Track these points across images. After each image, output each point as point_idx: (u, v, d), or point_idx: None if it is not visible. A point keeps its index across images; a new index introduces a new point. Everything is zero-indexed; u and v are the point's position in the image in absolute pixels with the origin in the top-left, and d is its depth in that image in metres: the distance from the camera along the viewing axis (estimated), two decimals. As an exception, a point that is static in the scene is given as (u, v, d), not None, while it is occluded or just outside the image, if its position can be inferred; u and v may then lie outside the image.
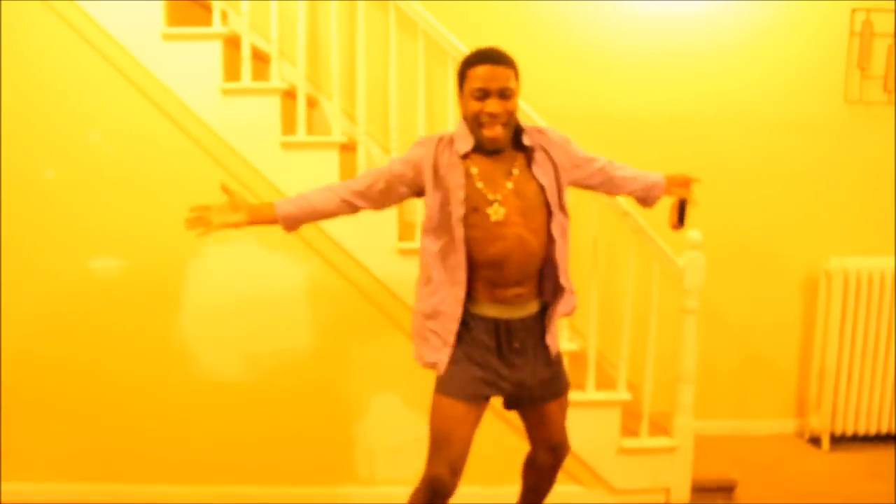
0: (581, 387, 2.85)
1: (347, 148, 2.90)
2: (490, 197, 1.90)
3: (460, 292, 1.95)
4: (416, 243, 2.81)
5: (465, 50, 2.75)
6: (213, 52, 2.76)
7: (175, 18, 2.81)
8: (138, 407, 2.92)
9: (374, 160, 3.34)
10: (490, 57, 1.87)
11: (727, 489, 2.97)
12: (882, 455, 3.40)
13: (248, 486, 2.94)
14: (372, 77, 2.96)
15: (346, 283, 2.85)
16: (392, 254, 2.81)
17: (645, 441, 2.90)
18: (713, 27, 3.43)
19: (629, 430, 2.91)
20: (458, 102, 1.97)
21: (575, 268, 2.87)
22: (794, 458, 3.41)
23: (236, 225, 2.04)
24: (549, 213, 1.95)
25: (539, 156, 1.96)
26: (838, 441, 3.52)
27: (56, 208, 2.85)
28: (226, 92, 2.76)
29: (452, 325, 1.98)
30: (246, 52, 2.78)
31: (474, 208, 1.91)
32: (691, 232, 2.81)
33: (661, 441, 2.91)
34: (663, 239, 2.83)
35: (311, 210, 2.06)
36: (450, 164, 1.94)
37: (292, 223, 2.08)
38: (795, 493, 3.04)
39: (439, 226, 1.96)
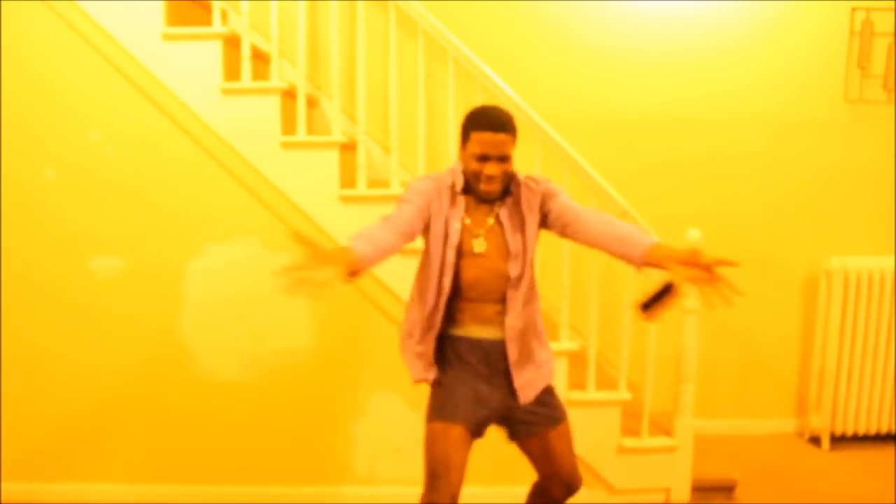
0: (581, 387, 2.86)
1: (347, 148, 2.90)
2: (475, 231, 2.02)
3: (437, 319, 2.04)
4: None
5: (466, 51, 2.76)
6: (213, 52, 2.76)
7: (175, 18, 2.81)
8: (138, 407, 2.92)
9: (374, 160, 3.34)
10: (493, 124, 1.93)
11: (727, 489, 2.97)
12: (882, 455, 3.40)
13: (248, 486, 2.94)
14: (372, 77, 2.96)
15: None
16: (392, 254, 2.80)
17: (645, 441, 2.90)
18: (713, 27, 3.43)
19: (629, 429, 2.91)
20: (459, 152, 2.02)
21: (575, 268, 2.89)
22: (794, 457, 3.41)
23: (334, 281, 1.64)
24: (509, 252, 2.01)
25: (508, 203, 2.03)
26: (838, 441, 3.52)
27: (56, 208, 2.85)
28: (226, 92, 2.76)
29: (430, 346, 2.06)
30: (246, 52, 2.78)
31: (462, 241, 2.02)
32: (691, 231, 2.81)
33: (661, 441, 2.91)
34: (663, 238, 2.83)
35: (381, 250, 1.83)
36: (448, 200, 2.03)
37: (365, 266, 1.77)
38: (795, 493, 3.04)
39: (432, 253, 2.04)
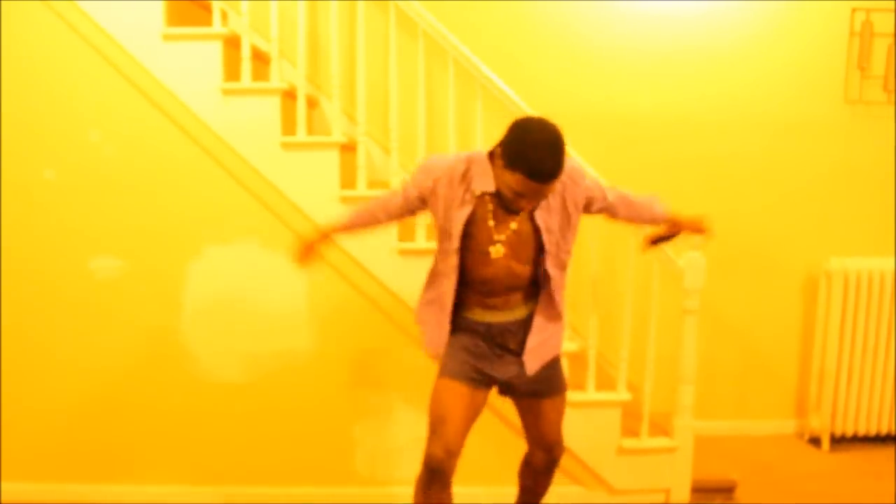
0: (581, 387, 2.85)
1: (347, 148, 2.90)
2: (495, 237, 1.99)
3: (445, 319, 2.11)
4: (416, 243, 2.81)
5: (466, 51, 2.76)
6: (213, 53, 2.76)
7: (175, 18, 2.81)
8: (138, 407, 2.92)
9: (374, 160, 3.34)
10: (545, 176, 1.78)
11: (727, 489, 2.97)
12: (882, 455, 3.40)
13: (248, 486, 2.94)
14: (372, 77, 2.96)
15: (347, 283, 2.85)
16: (392, 254, 2.80)
17: (645, 441, 2.90)
18: (713, 28, 3.42)
19: (629, 430, 2.91)
20: (498, 159, 1.87)
21: (575, 268, 2.88)
22: (794, 458, 3.41)
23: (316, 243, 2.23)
24: (542, 250, 2.03)
25: (544, 205, 1.99)
26: (838, 441, 3.52)
27: (56, 208, 2.85)
28: (226, 92, 2.76)
29: (445, 325, 2.14)
30: (246, 52, 2.78)
31: (472, 236, 2.00)
32: (691, 232, 2.81)
33: (661, 441, 2.91)
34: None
35: (356, 228, 2.26)
36: (459, 197, 1.98)
37: (349, 228, 2.26)
38: (795, 494, 3.04)
39: (444, 243, 2.07)
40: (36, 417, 2.93)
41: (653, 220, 2.30)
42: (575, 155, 2.78)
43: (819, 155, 3.52)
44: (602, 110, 3.45)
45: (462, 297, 2.10)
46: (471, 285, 2.07)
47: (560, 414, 2.24)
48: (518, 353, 2.12)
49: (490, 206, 1.97)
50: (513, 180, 1.82)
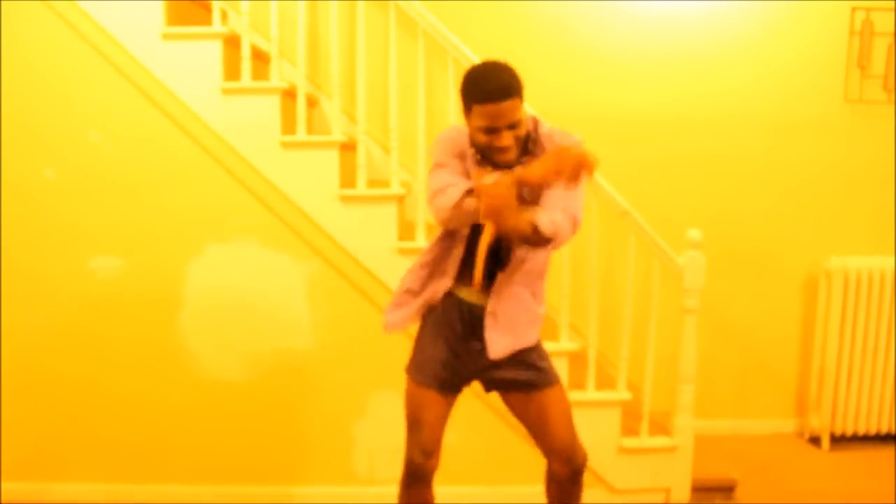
0: (581, 386, 2.85)
1: (347, 147, 2.90)
2: None
3: (448, 282, 2.00)
4: (416, 243, 2.81)
5: (466, 51, 2.76)
6: (213, 52, 2.76)
7: (175, 18, 2.81)
8: (138, 407, 2.92)
9: (374, 160, 3.34)
10: (495, 94, 1.73)
11: (727, 489, 2.97)
12: (882, 455, 3.40)
13: (248, 486, 2.94)
14: (372, 77, 2.96)
15: (346, 283, 2.85)
16: (392, 254, 2.80)
17: (645, 441, 2.90)
18: (713, 27, 3.43)
19: (629, 429, 2.91)
20: (465, 120, 1.86)
21: (575, 268, 2.89)
22: (794, 457, 3.41)
23: None
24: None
25: (528, 160, 1.87)
26: (838, 441, 3.52)
27: (56, 208, 2.85)
28: (226, 91, 2.76)
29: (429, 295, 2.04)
30: (246, 52, 2.77)
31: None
32: (691, 231, 2.81)
33: (661, 441, 2.91)
34: (663, 238, 2.83)
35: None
36: (470, 161, 1.90)
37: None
38: (795, 493, 3.04)
39: None
40: (36, 417, 2.93)
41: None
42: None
43: (819, 154, 3.52)
44: (602, 110, 3.45)
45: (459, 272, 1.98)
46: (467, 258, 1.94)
47: (564, 410, 2.07)
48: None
49: (477, 171, 1.86)
50: (475, 118, 1.77)
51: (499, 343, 1.97)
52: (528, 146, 1.87)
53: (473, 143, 1.86)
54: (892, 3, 3.40)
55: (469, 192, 1.78)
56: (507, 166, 1.82)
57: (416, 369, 2.08)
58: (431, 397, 2.04)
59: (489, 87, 1.74)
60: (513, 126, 1.78)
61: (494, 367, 2.02)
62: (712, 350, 3.55)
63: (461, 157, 1.89)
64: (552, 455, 2.09)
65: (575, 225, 1.86)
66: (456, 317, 2.01)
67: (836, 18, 3.43)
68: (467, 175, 1.87)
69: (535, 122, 1.91)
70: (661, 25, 3.41)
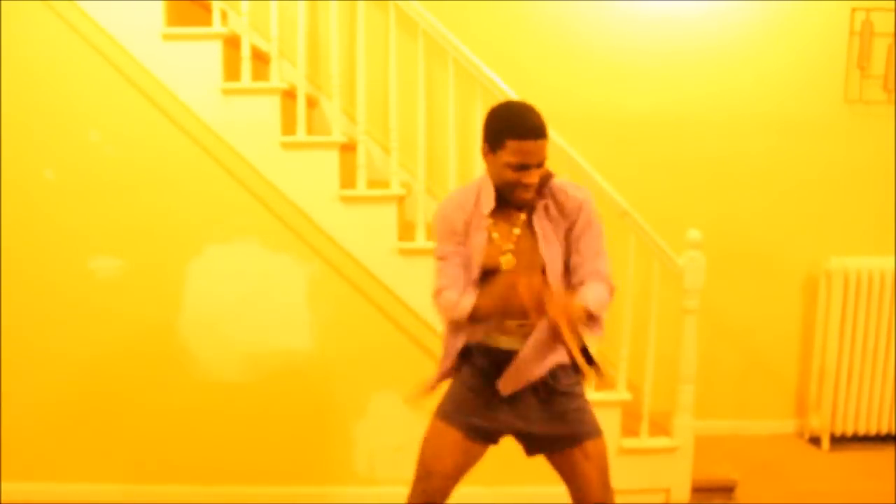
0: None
1: (347, 148, 2.90)
2: (504, 248, 1.89)
3: (463, 336, 1.96)
4: (416, 243, 2.81)
5: (466, 51, 2.76)
6: (213, 52, 2.76)
7: (175, 18, 2.81)
8: (138, 407, 2.92)
9: (374, 160, 3.34)
10: (534, 130, 1.77)
11: (727, 489, 2.97)
12: (882, 455, 3.40)
13: (248, 486, 2.94)
14: (372, 77, 2.96)
15: (346, 283, 2.85)
16: (392, 254, 2.80)
17: (645, 441, 2.90)
18: (713, 28, 3.42)
19: (629, 430, 2.91)
20: (484, 157, 1.86)
21: (575, 268, 2.88)
22: (794, 458, 3.41)
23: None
24: (544, 262, 1.89)
25: (541, 206, 1.89)
26: (838, 441, 3.52)
27: (56, 209, 2.85)
28: (226, 92, 2.76)
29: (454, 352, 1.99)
30: (246, 52, 2.77)
31: (487, 260, 1.89)
32: (691, 231, 2.81)
33: (661, 441, 2.91)
34: (663, 239, 2.83)
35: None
36: (476, 226, 1.90)
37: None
38: (795, 493, 3.04)
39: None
40: (36, 417, 2.93)
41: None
42: (575, 154, 2.78)
43: (819, 155, 3.52)
44: (602, 110, 3.45)
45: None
46: None
47: (601, 465, 1.99)
48: (529, 390, 1.93)
49: (492, 221, 1.90)
50: (505, 155, 1.78)
51: (508, 380, 1.92)
52: (542, 189, 1.89)
53: (498, 181, 1.85)
54: (892, 3, 3.40)
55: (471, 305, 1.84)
56: (525, 206, 1.87)
57: (447, 409, 2.00)
58: (456, 441, 1.96)
59: (529, 124, 1.78)
60: (541, 165, 1.82)
61: (529, 421, 1.96)
62: (712, 350, 3.55)
63: (464, 226, 1.90)
64: None
65: (613, 292, 1.92)
66: (488, 364, 1.95)
67: (836, 19, 3.43)
68: (466, 239, 1.90)
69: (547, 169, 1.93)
70: (661, 25, 3.41)
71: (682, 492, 2.91)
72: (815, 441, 3.54)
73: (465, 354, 2.00)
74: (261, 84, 2.80)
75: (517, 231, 1.89)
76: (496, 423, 1.98)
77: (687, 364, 2.88)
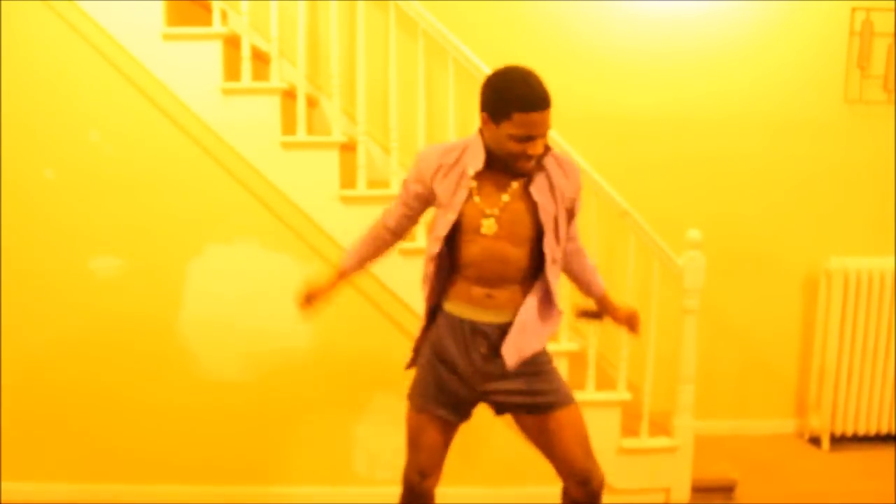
0: (581, 387, 2.85)
1: (347, 148, 2.90)
2: (487, 211, 1.87)
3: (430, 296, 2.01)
4: (415, 243, 2.81)
5: (466, 51, 2.76)
6: (213, 52, 2.76)
7: (175, 18, 2.81)
8: (138, 407, 2.92)
9: (374, 160, 3.34)
10: (540, 101, 1.75)
11: (727, 489, 2.97)
12: (882, 455, 3.40)
13: (248, 486, 2.94)
14: (372, 77, 2.96)
15: (347, 283, 2.84)
16: (392, 254, 2.80)
17: (645, 441, 2.90)
18: (713, 28, 3.43)
19: (629, 430, 2.91)
20: (483, 123, 1.84)
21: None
22: (794, 458, 3.41)
23: (323, 292, 2.17)
24: (540, 232, 1.89)
25: (541, 178, 1.89)
26: (838, 441, 3.52)
27: (56, 208, 2.85)
28: (226, 92, 2.76)
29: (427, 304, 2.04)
30: (246, 52, 2.77)
31: (466, 219, 1.88)
32: (691, 231, 2.81)
33: (661, 441, 2.91)
34: (663, 238, 2.83)
35: (370, 257, 2.18)
36: (453, 183, 1.89)
37: (353, 272, 2.20)
38: (795, 493, 3.04)
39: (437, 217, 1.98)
40: (36, 417, 2.93)
41: (588, 289, 2.17)
42: (574, 154, 2.78)
43: (819, 154, 3.52)
44: (602, 110, 3.45)
45: (446, 285, 1.96)
46: (458, 270, 1.93)
47: (578, 431, 2.00)
48: (494, 355, 1.94)
49: (474, 184, 1.87)
50: (510, 127, 1.76)
51: (510, 351, 1.92)
52: (541, 159, 1.88)
53: (498, 149, 1.83)
54: (892, 3, 3.40)
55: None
56: (525, 175, 1.86)
57: (415, 394, 2.06)
58: (430, 421, 2.02)
59: (534, 96, 1.75)
60: (545, 135, 1.81)
61: (501, 387, 1.97)
62: (712, 350, 3.55)
63: (435, 176, 1.92)
64: (569, 478, 2.03)
65: None
66: (450, 335, 1.96)
67: (836, 18, 3.43)
68: (426, 196, 1.97)
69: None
70: (661, 25, 3.41)
71: (682, 491, 2.91)
72: (815, 441, 3.54)
73: (437, 322, 2.01)
74: (261, 84, 2.80)
75: (506, 198, 1.86)
76: (461, 398, 2.00)
77: (687, 364, 2.88)
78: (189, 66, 2.75)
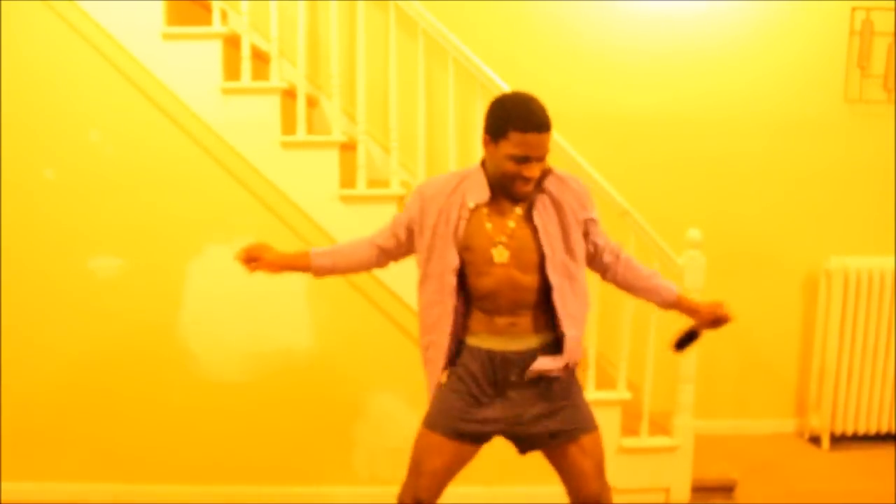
0: (581, 386, 2.85)
1: (347, 147, 2.90)
2: (496, 239, 1.87)
3: (444, 347, 1.96)
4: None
5: (466, 51, 2.76)
6: (213, 52, 2.76)
7: (175, 18, 2.81)
8: (138, 407, 2.92)
9: (374, 160, 3.34)
10: (539, 123, 1.76)
11: (727, 489, 2.97)
12: (882, 455, 3.40)
13: (248, 486, 2.94)
14: (372, 77, 2.96)
15: (346, 283, 2.85)
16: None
17: (645, 440, 2.90)
18: (713, 27, 3.42)
19: (629, 429, 2.91)
20: (485, 146, 1.85)
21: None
22: (793, 457, 3.41)
23: (272, 266, 2.09)
24: (542, 255, 1.88)
25: (543, 200, 1.89)
26: (838, 441, 3.52)
27: (56, 208, 2.85)
28: (226, 91, 2.76)
29: (443, 352, 1.97)
30: (246, 52, 2.78)
31: (470, 248, 1.88)
32: (691, 231, 2.81)
33: (661, 441, 2.91)
34: (663, 238, 2.83)
35: (344, 264, 2.12)
36: (457, 215, 1.89)
37: (323, 273, 2.11)
38: (795, 493, 3.04)
39: (431, 272, 1.95)
40: (36, 417, 2.93)
41: (657, 295, 2.05)
42: (574, 154, 2.78)
43: (819, 154, 3.52)
44: (602, 110, 3.45)
45: (464, 321, 1.95)
46: (474, 304, 1.93)
47: (597, 458, 1.99)
48: (526, 388, 1.93)
49: (485, 211, 1.88)
50: (508, 147, 1.77)
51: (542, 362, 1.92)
52: (542, 182, 1.89)
53: (495, 172, 1.84)
54: (892, 3, 3.40)
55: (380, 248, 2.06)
56: (523, 199, 1.87)
57: (431, 417, 2.01)
58: (444, 448, 1.96)
59: (534, 117, 1.77)
60: (542, 158, 1.82)
61: (531, 413, 1.94)
62: (712, 350, 3.54)
63: (437, 215, 1.90)
64: (578, 499, 2.02)
65: None
66: (480, 368, 1.94)
67: (836, 18, 3.43)
68: (399, 234, 2.00)
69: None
70: (661, 25, 3.41)
71: (682, 491, 2.91)
72: (815, 440, 3.54)
73: (454, 357, 1.99)
74: (261, 84, 2.80)
75: (512, 224, 1.88)
76: (485, 424, 1.96)
77: (687, 363, 2.88)
78: (189, 65, 2.75)
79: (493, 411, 1.95)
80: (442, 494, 2.03)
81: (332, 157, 2.80)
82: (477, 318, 1.94)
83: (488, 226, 1.88)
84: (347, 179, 2.84)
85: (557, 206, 1.90)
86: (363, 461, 2.95)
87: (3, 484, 2.92)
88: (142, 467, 2.94)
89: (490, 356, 1.93)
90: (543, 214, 1.89)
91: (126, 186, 2.83)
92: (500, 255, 1.87)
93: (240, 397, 2.91)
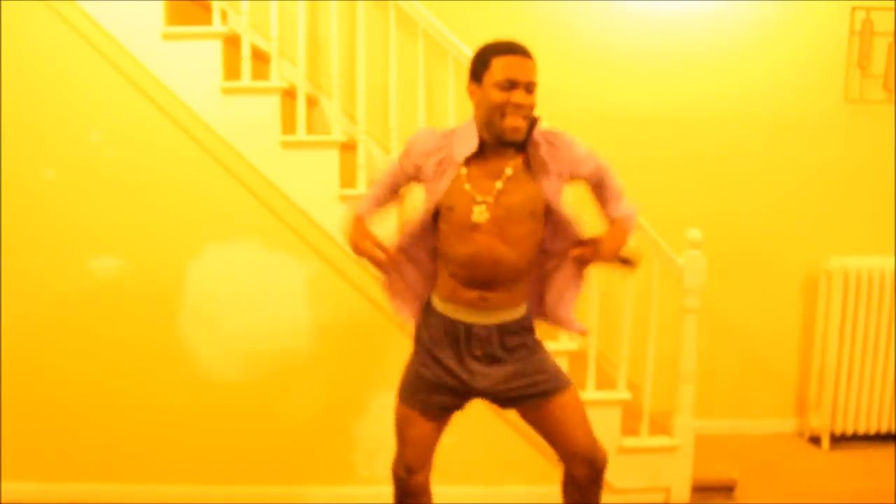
0: (581, 386, 2.85)
1: (347, 147, 2.90)
2: (479, 198, 1.82)
3: (416, 303, 2.02)
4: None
5: (466, 51, 2.76)
6: (213, 52, 2.76)
7: (175, 18, 2.81)
8: (138, 407, 2.92)
9: (374, 160, 3.34)
10: (518, 49, 1.76)
11: (727, 489, 2.97)
12: (882, 455, 3.40)
13: (248, 486, 2.94)
14: (372, 77, 2.96)
15: (346, 283, 2.85)
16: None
17: (645, 440, 2.90)
18: (713, 27, 3.43)
19: (629, 429, 2.91)
20: (472, 95, 1.83)
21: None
22: (793, 457, 3.41)
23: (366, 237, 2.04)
24: (538, 222, 1.86)
25: (538, 157, 1.84)
26: (838, 440, 3.52)
27: (56, 208, 2.85)
28: (226, 91, 2.76)
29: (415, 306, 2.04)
30: (246, 52, 2.78)
31: (452, 208, 1.84)
32: (691, 231, 2.81)
33: (661, 440, 2.91)
34: (663, 238, 2.84)
35: (381, 200, 2.11)
36: (440, 169, 1.86)
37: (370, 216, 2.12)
38: (795, 493, 3.04)
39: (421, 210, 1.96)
40: (36, 417, 2.93)
41: (608, 214, 2.00)
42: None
43: (819, 154, 3.52)
44: (602, 110, 3.45)
45: (433, 281, 1.97)
46: (446, 267, 1.90)
47: (578, 413, 1.98)
48: (489, 358, 1.93)
49: (464, 171, 1.82)
50: (492, 76, 1.75)
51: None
52: (534, 136, 1.83)
53: (486, 114, 1.79)
54: (892, 3, 3.40)
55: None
56: (514, 144, 1.80)
57: (405, 387, 2.04)
58: (420, 423, 2.00)
59: (515, 45, 1.78)
60: (529, 88, 1.77)
61: (497, 376, 1.94)
62: (712, 350, 3.55)
63: (434, 165, 1.86)
64: (574, 460, 2.02)
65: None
66: (443, 336, 1.94)
67: (836, 18, 3.43)
68: (405, 178, 1.97)
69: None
70: (661, 25, 3.41)
71: (682, 491, 2.91)
72: (815, 440, 3.54)
73: (426, 318, 1.99)
74: (261, 83, 2.80)
75: (499, 185, 1.82)
76: (456, 397, 1.98)
77: (687, 363, 2.88)
78: (189, 65, 2.75)
79: (461, 383, 1.94)
80: (432, 459, 2.07)
81: (333, 157, 2.80)
82: (448, 284, 1.91)
83: (467, 186, 1.82)
84: (347, 179, 2.84)
85: (549, 156, 1.84)
86: (363, 461, 2.95)
87: (3, 484, 2.92)
88: (142, 467, 2.94)
89: (454, 325, 1.92)
90: (539, 168, 1.84)
91: (126, 186, 2.83)
92: (480, 214, 1.80)
93: (240, 397, 2.91)
